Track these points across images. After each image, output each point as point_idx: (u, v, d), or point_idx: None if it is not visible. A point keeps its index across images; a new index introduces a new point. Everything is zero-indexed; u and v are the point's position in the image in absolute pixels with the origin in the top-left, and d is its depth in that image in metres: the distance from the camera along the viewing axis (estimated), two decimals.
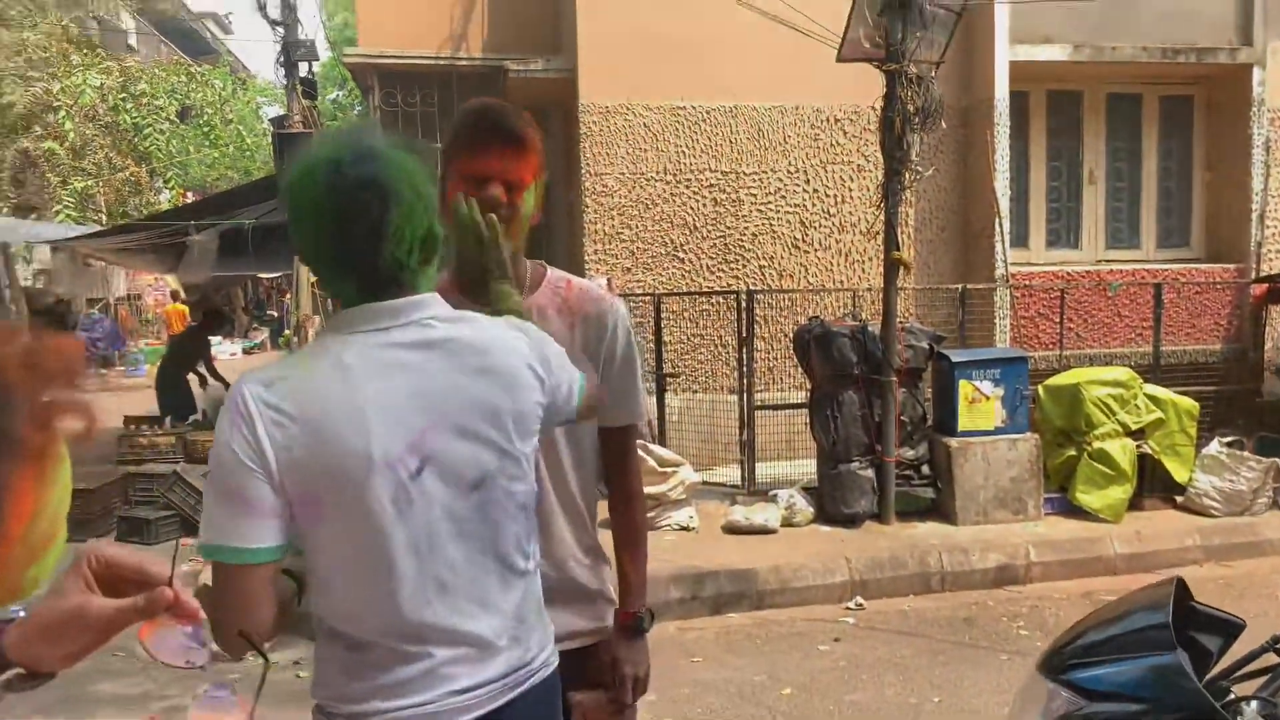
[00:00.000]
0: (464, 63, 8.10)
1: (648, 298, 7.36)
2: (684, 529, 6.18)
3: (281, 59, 8.42)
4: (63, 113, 16.22)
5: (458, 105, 8.13)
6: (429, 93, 8.06)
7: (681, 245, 7.68)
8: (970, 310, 7.33)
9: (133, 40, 27.34)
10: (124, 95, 17.01)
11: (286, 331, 13.39)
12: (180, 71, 18.66)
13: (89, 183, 16.88)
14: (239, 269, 11.48)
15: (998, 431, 6.22)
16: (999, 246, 7.77)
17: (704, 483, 6.68)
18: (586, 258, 7.52)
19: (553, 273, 1.90)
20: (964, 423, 6.20)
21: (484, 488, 1.41)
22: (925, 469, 6.35)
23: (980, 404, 6.18)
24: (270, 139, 8.67)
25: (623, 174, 7.52)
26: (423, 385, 1.38)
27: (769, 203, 7.77)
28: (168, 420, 9.54)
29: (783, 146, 7.75)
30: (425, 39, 8.09)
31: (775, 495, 6.42)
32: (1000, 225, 7.75)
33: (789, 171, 7.78)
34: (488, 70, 7.98)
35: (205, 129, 18.64)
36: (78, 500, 6.17)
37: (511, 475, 1.44)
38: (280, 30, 8.35)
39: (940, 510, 6.27)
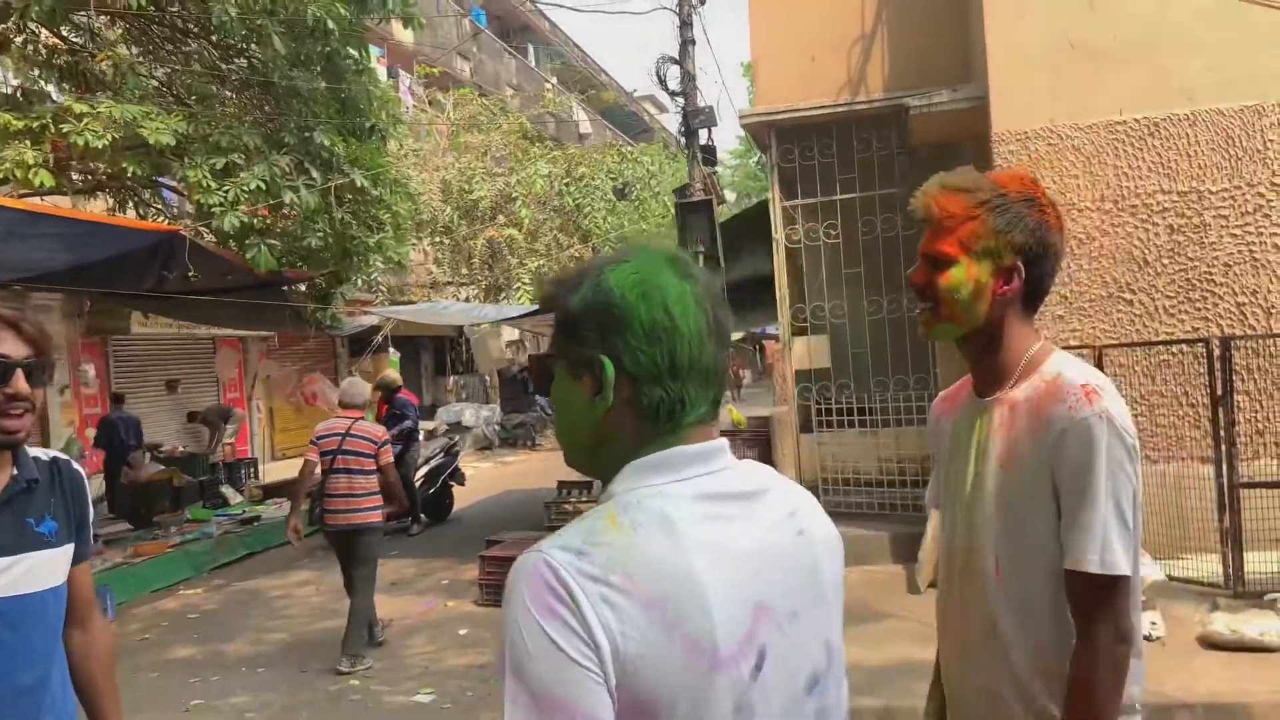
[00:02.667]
0: (862, 106, 7.58)
1: (1087, 350, 6.21)
2: (1144, 639, 4.96)
3: (682, 129, 8.54)
4: (519, 201, 18.22)
5: (856, 152, 7.64)
6: (826, 143, 7.63)
7: (1128, 285, 6.41)
8: None
9: (585, 127, 30.43)
10: (568, 180, 18.74)
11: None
12: (613, 153, 20.22)
13: (541, 262, 18.75)
14: None
15: None
16: None
17: (1169, 579, 5.39)
18: None
19: (1054, 361, 1.68)
20: None
21: (818, 692, 1.15)
22: None
23: None
24: (674, 208, 8.76)
25: None
26: (752, 550, 1.10)
27: (1247, 225, 6.24)
28: (594, 486, 9.94)
29: (1263, 154, 6.20)
30: (821, 88, 7.71)
31: (1276, 600, 4.97)
32: None
33: (1273, 183, 6.20)
34: (887, 111, 7.39)
35: (636, 204, 19.95)
36: (502, 566, 6.45)
37: (838, 674, 1.20)
38: (680, 100, 8.46)
39: None
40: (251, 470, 14.05)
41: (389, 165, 10.24)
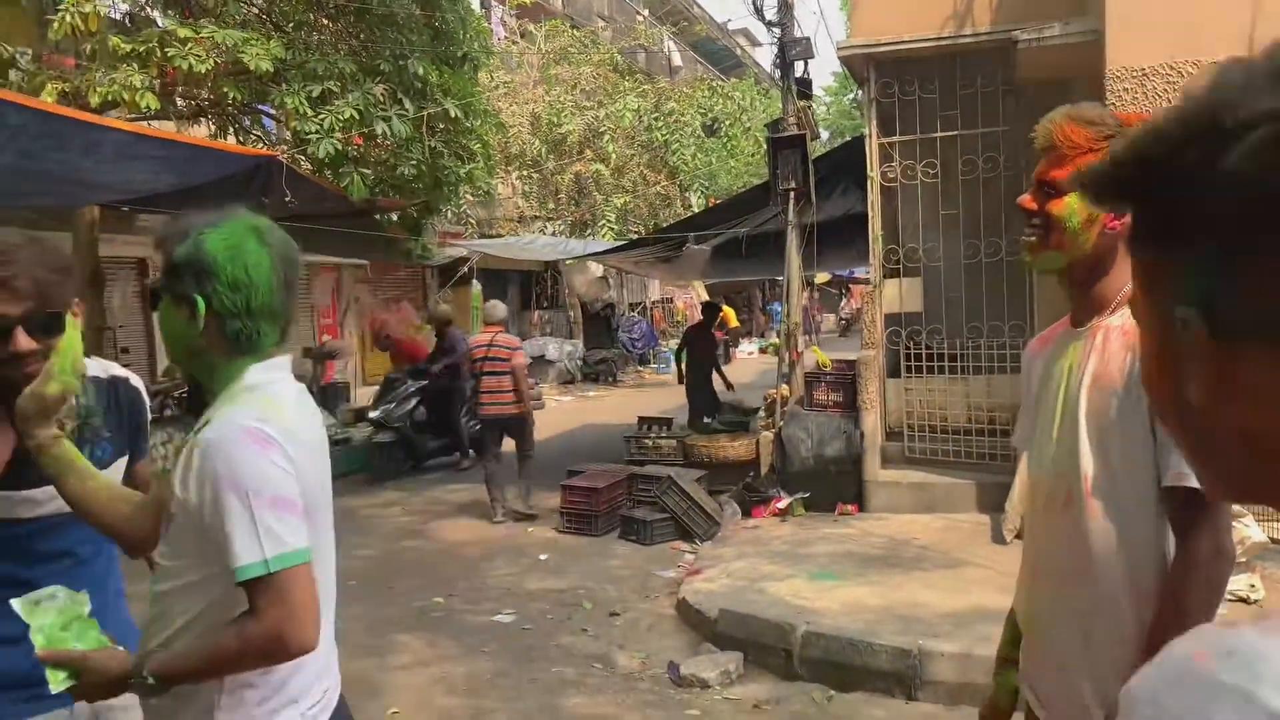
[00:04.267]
0: (967, 40, 7.26)
1: None
2: (1241, 600, 4.80)
3: (778, 60, 8.30)
4: (607, 136, 18.08)
5: (959, 88, 7.35)
6: (928, 78, 7.35)
7: None
8: None
9: (676, 60, 29.93)
10: (656, 115, 18.51)
11: (775, 339, 13.46)
12: (703, 87, 19.87)
13: (627, 198, 18.66)
14: (735, 274, 11.77)
15: None
16: None
17: (1272, 541, 5.18)
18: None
19: None
20: None
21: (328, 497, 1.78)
22: None
23: None
24: (766, 143, 8.57)
25: None
26: (315, 423, 1.76)
27: None
28: (672, 423, 9.96)
29: None
30: (925, 21, 7.39)
31: None
32: None
33: None
34: (994, 45, 7.06)
35: (726, 140, 19.63)
36: (583, 496, 6.52)
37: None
38: (776, 30, 8.21)
39: None
40: (344, 394, 14.45)
41: (480, 95, 10.23)
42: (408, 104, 8.56)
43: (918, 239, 7.65)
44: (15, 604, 1.70)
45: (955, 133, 7.37)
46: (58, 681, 1.60)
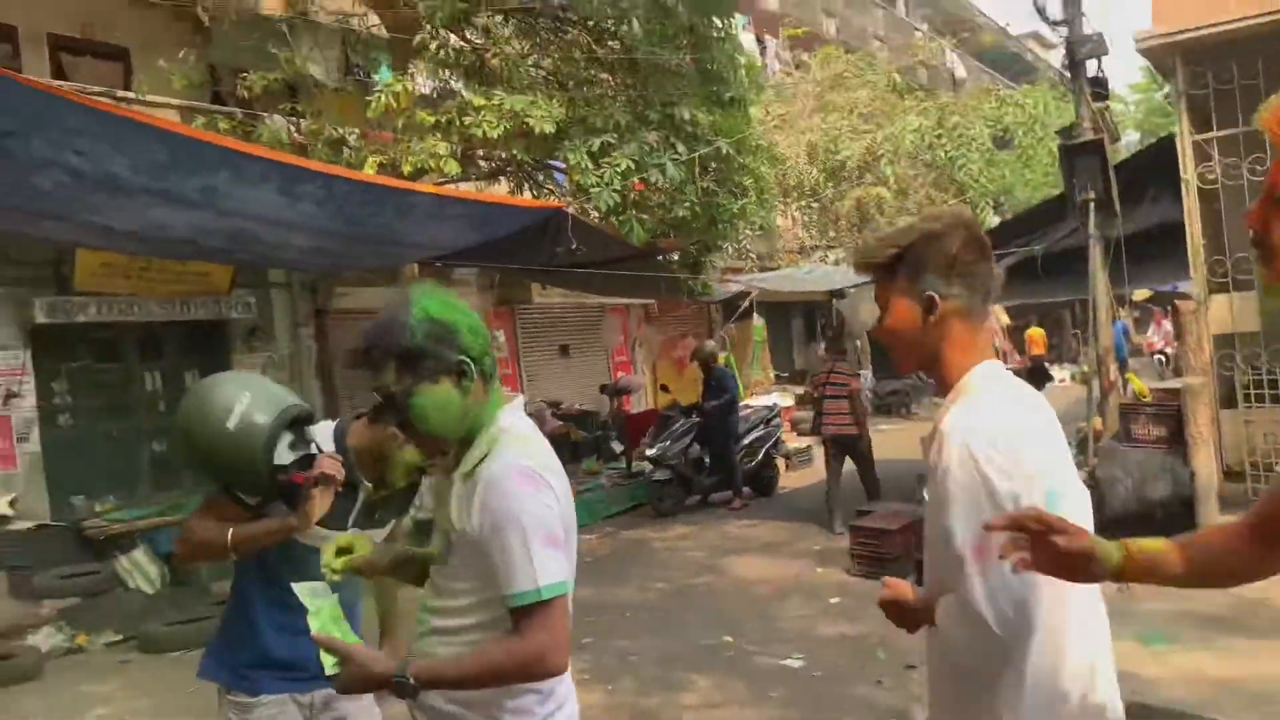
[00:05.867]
0: None
1: None
2: None
3: (1066, 61, 7.63)
4: (885, 159, 17.55)
5: None
6: (1248, 63, 6.47)
7: None
8: None
9: (960, 71, 28.64)
10: (939, 132, 17.72)
11: (1084, 367, 12.30)
12: (990, 98, 18.81)
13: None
14: (1034, 295, 10.92)
15: None
16: None
17: None
18: None
19: None
20: None
21: None
22: None
23: None
24: (1058, 151, 7.92)
25: None
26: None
27: None
28: None
29: None
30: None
31: None
32: None
33: None
34: None
35: (1020, 152, 18.44)
36: (873, 538, 6.29)
37: None
38: (1063, 29, 7.56)
39: None
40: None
41: (752, 131, 10.27)
42: (680, 148, 8.75)
43: (1248, 246, 6.72)
44: (297, 587, 1.90)
45: None
46: (330, 665, 1.74)
